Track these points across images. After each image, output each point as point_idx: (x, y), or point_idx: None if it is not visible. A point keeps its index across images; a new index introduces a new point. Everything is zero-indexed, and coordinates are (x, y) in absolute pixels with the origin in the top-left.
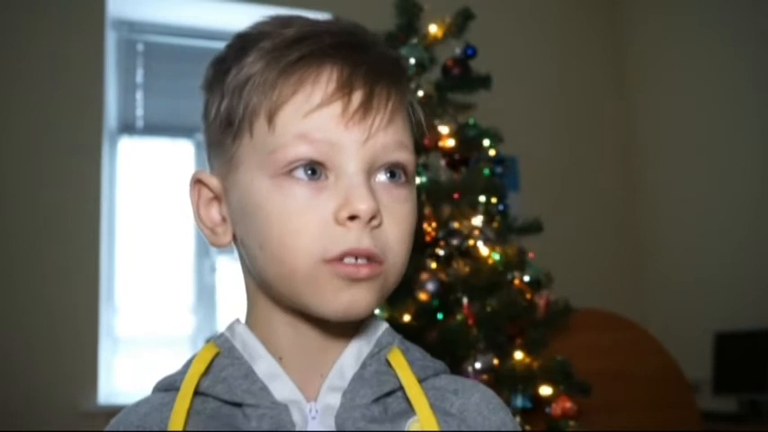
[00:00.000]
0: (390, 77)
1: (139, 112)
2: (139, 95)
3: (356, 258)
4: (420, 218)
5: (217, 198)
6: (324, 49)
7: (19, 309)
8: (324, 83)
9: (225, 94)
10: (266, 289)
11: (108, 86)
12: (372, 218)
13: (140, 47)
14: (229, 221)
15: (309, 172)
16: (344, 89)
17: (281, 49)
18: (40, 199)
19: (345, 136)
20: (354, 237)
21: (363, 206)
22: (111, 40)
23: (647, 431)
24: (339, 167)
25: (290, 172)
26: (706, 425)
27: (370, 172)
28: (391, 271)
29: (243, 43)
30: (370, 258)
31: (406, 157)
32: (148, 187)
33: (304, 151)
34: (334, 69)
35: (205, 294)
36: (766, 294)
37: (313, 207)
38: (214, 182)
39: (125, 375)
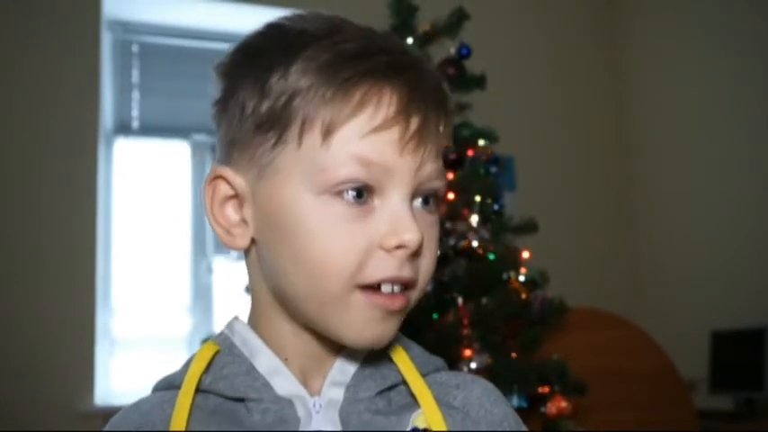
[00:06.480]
0: (441, 103)
1: (135, 112)
2: (135, 96)
3: (392, 288)
4: None
5: (237, 197)
6: (381, 70)
7: (15, 310)
8: (385, 106)
9: (266, 94)
10: (283, 302)
11: (103, 87)
12: (417, 248)
13: (136, 47)
14: (251, 226)
15: (355, 194)
16: (403, 114)
17: (336, 65)
18: (35, 200)
19: (400, 162)
20: (397, 265)
21: (414, 237)
22: (106, 41)
23: (644, 430)
24: (386, 193)
25: (338, 192)
26: (702, 423)
27: (411, 198)
28: (417, 297)
29: (285, 42)
30: (407, 287)
31: (442, 184)
32: (144, 188)
33: (358, 173)
34: (394, 93)
35: (201, 295)
36: (762, 293)
37: (359, 230)
38: (239, 181)
39: (121, 376)
